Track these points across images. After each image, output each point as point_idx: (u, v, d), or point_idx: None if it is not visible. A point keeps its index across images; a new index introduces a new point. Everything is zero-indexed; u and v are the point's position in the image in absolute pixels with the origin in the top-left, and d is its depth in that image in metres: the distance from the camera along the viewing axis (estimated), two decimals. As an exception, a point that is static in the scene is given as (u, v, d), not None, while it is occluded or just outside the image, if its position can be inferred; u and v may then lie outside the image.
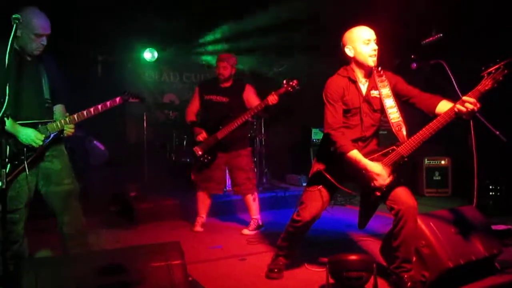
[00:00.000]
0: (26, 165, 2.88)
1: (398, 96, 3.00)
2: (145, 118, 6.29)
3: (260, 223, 4.70)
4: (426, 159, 7.03)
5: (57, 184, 3.08)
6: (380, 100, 3.00)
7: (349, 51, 2.98)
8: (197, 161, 4.57)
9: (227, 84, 4.65)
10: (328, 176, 2.98)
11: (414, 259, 2.90)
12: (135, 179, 6.23)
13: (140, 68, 7.57)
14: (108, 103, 3.15)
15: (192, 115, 4.72)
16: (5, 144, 2.75)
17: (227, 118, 4.46)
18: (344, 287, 2.75)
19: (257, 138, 6.71)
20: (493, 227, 3.31)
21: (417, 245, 2.89)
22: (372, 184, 2.83)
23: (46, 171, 3.06)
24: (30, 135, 2.90)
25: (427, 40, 3.79)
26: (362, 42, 2.92)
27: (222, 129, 4.45)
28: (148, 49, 7.21)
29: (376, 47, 2.93)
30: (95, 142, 5.86)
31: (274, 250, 3.45)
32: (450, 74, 3.41)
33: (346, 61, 3.06)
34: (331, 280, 2.75)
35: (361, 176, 2.85)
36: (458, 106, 2.68)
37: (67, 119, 3.04)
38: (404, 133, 2.91)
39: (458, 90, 3.45)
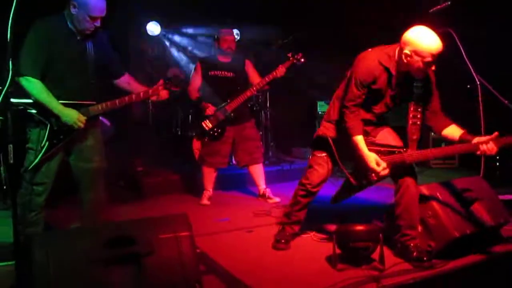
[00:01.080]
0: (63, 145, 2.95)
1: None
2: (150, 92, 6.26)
3: None
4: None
5: (87, 160, 3.11)
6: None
7: (404, 56, 2.74)
8: (206, 135, 4.59)
9: (228, 59, 4.70)
10: (333, 147, 2.99)
11: (420, 229, 2.92)
12: (142, 154, 6.26)
13: (144, 43, 7.51)
14: (150, 90, 3.21)
15: (195, 92, 4.70)
16: (46, 123, 2.86)
17: (234, 92, 4.51)
18: (350, 257, 2.78)
19: (262, 112, 6.69)
20: (500, 197, 3.30)
21: (423, 215, 2.90)
22: (368, 173, 2.88)
23: (78, 145, 3.08)
24: (73, 117, 2.91)
25: (434, 8, 3.70)
26: (426, 60, 2.67)
27: (230, 103, 4.50)
28: (152, 22, 7.11)
29: (433, 68, 2.76)
30: (100, 118, 5.84)
31: (281, 221, 3.47)
32: (459, 43, 3.36)
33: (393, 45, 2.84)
34: (337, 250, 2.78)
35: (359, 160, 2.87)
36: (482, 146, 2.67)
37: (108, 103, 3.06)
38: (415, 137, 2.92)
39: (467, 59, 3.41)
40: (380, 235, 2.73)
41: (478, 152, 2.69)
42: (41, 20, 2.86)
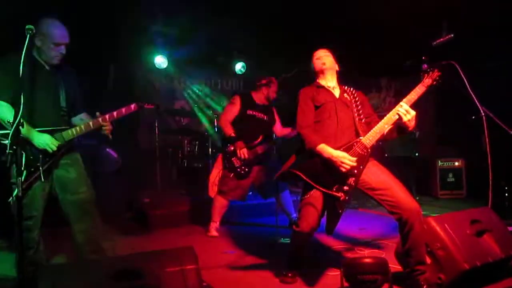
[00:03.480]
0: (41, 173, 2.91)
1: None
2: (156, 125, 6.34)
3: None
4: (439, 161, 6.98)
5: (72, 193, 3.10)
6: (351, 102, 3.16)
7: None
8: (233, 171, 4.68)
9: (265, 102, 4.93)
10: (301, 174, 2.92)
11: (429, 261, 2.88)
12: (148, 186, 6.26)
13: (151, 75, 7.65)
14: (123, 109, 3.19)
15: (229, 125, 4.77)
16: (20, 152, 2.82)
17: (265, 134, 4.78)
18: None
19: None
20: (510, 228, 3.26)
21: (432, 247, 2.87)
22: (343, 169, 2.86)
23: (61, 179, 3.09)
24: (45, 140, 2.93)
25: (438, 41, 3.77)
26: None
27: (263, 145, 4.74)
28: (159, 55, 7.25)
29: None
30: (108, 149, 5.90)
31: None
32: (462, 75, 3.39)
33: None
34: (345, 283, 2.74)
35: (333, 167, 2.89)
36: (399, 110, 2.87)
37: (82, 126, 3.08)
38: (363, 130, 3.04)
39: (470, 91, 3.43)
40: (389, 268, 2.69)
41: (401, 115, 2.86)
42: (8, 55, 2.91)
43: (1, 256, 4.03)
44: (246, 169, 4.68)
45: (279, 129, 4.99)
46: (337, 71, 3.31)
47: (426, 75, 2.96)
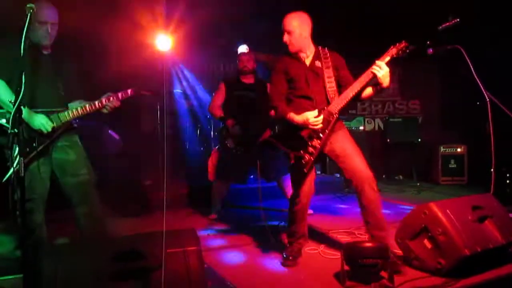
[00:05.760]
0: (37, 153, 2.91)
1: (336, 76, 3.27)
2: (158, 107, 6.31)
3: None
4: (441, 147, 6.96)
5: (73, 175, 3.10)
6: (322, 69, 3.27)
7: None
8: (229, 153, 4.67)
9: (251, 80, 4.82)
10: (273, 141, 3.24)
11: (429, 246, 2.89)
12: (149, 168, 6.26)
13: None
14: (120, 94, 3.17)
15: (219, 109, 4.77)
16: (22, 132, 2.81)
17: (256, 113, 4.64)
18: (359, 274, 2.75)
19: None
20: (511, 214, 3.27)
21: (433, 232, 2.87)
22: (311, 127, 3.07)
23: (61, 162, 3.08)
24: (41, 121, 2.93)
25: (443, 25, 3.71)
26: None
27: (255, 124, 4.62)
28: (163, 36, 7.16)
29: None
30: (109, 131, 5.88)
31: (287, 239, 3.45)
32: (468, 59, 3.35)
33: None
34: (346, 267, 2.75)
35: (300, 132, 3.13)
36: (373, 67, 3.02)
37: (78, 109, 3.06)
38: (333, 96, 3.20)
39: (475, 75, 3.40)
40: (389, 252, 2.70)
41: (376, 73, 3.00)
42: (11, 31, 2.90)
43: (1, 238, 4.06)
44: (242, 149, 4.64)
45: None
46: (311, 34, 3.32)
47: (393, 46, 3.10)
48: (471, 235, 2.82)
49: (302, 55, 3.30)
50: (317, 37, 3.38)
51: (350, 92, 3.09)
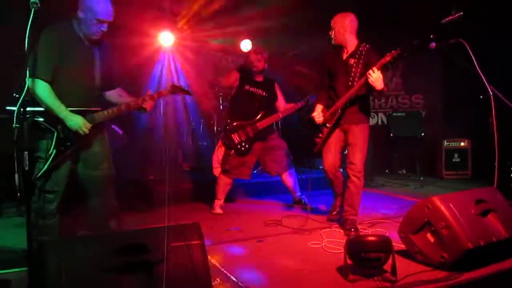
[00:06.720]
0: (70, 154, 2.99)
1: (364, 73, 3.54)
2: (161, 102, 6.32)
3: None
4: (445, 141, 6.94)
5: (94, 168, 3.12)
6: (352, 66, 3.68)
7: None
8: (233, 148, 4.68)
9: (261, 79, 4.83)
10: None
11: (432, 240, 2.89)
12: (153, 162, 6.28)
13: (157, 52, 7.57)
14: (155, 94, 3.25)
15: (226, 82, 4.87)
16: (56, 130, 2.89)
17: (265, 111, 4.71)
18: (362, 268, 2.76)
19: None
20: (514, 208, 3.26)
21: (436, 226, 2.87)
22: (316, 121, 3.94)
23: (85, 153, 3.10)
24: (78, 123, 2.94)
25: (447, 19, 3.69)
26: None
27: (262, 121, 4.68)
28: (165, 33, 7.16)
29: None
30: (113, 126, 5.90)
31: (291, 231, 3.45)
32: (471, 53, 3.34)
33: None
34: (349, 261, 2.76)
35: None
36: (368, 72, 3.41)
37: (114, 109, 3.09)
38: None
39: (478, 69, 3.39)
40: (392, 245, 2.70)
41: (367, 75, 3.41)
42: (52, 26, 2.92)
43: (16, 226, 4.11)
44: (247, 146, 4.67)
45: (282, 105, 4.90)
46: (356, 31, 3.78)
47: (388, 53, 3.38)
48: (474, 229, 2.81)
49: (344, 50, 3.77)
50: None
51: (350, 92, 3.61)
